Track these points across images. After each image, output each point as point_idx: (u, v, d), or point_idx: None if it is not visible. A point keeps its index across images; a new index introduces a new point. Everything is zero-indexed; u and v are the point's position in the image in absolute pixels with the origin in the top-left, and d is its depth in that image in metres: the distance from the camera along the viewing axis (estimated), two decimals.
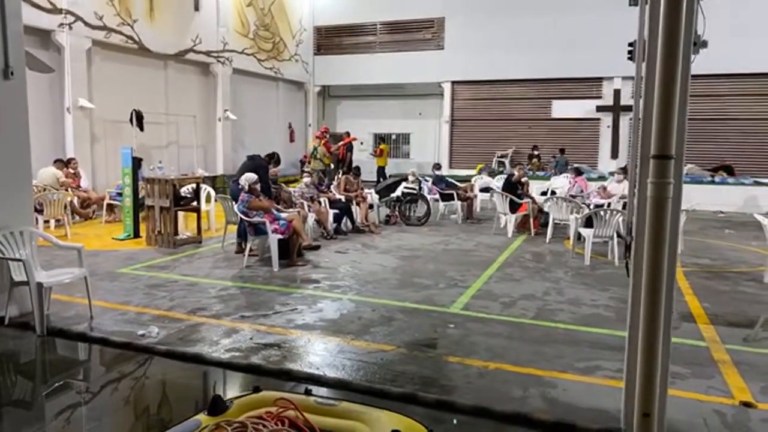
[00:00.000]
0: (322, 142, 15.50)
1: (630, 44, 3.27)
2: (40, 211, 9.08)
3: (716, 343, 4.77)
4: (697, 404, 3.68)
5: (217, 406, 2.76)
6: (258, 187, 7.34)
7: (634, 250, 3.15)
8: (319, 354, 4.40)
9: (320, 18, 20.61)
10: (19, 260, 4.78)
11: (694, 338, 4.87)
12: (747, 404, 3.65)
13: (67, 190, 10.28)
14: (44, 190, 9.61)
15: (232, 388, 4.03)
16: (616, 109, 17.12)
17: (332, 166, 15.87)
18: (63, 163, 10.70)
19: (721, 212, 13.23)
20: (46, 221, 9.42)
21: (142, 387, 4.08)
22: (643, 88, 3.03)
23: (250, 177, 7.23)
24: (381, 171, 18.25)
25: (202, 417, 2.71)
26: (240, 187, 7.27)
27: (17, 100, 5.04)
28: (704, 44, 2.99)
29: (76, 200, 10.63)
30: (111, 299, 5.75)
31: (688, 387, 3.89)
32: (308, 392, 3.02)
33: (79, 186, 11.01)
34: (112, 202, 10.71)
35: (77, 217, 10.66)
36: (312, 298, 5.91)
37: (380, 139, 18.52)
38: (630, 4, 3.30)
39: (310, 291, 6.20)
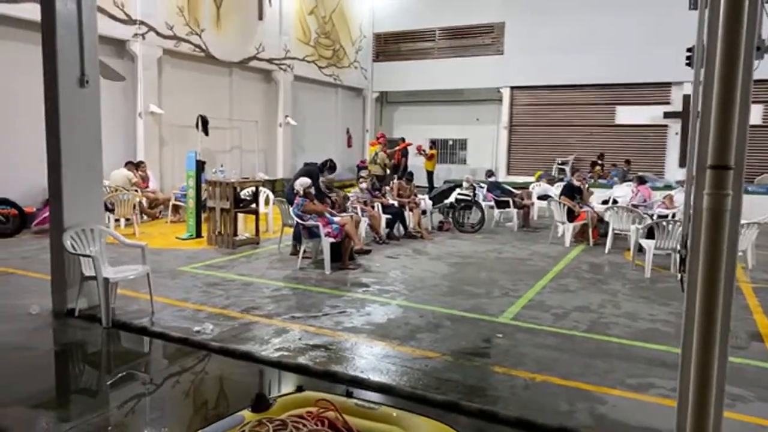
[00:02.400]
0: (383, 147, 15.65)
1: (689, 49, 3.15)
2: (111, 210, 9.66)
3: None
4: (758, 429, 3.47)
5: (260, 403, 2.85)
6: (312, 191, 7.51)
7: (688, 264, 3.01)
8: (364, 357, 4.45)
9: (380, 25, 20.83)
10: (89, 256, 5.11)
11: (761, 359, 4.59)
12: None
13: (136, 191, 10.88)
14: (116, 190, 10.20)
15: (277, 387, 4.15)
16: (686, 115, 16.32)
17: (388, 171, 15.94)
18: (134, 165, 11.32)
19: None
20: (117, 220, 10.01)
21: (195, 381, 4.27)
22: (701, 95, 2.90)
23: (304, 182, 7.41)
24: (429, 176, 17.96)
25: (246, 413, 2.80)
26: (295, 191, 7.46)
27: (91, 107, 5.39)
28: None
29: (144, 201, 11.22)
30: (171, 296, 6.03)
31: (750, 411, 3.68)
32: (349, 394, 3.06)
33: (147, 187, 11.62)
34: (177, 203, 11.23)
35: (145, 217, 11.25)
36: (361, 302, 5.98)
37: (431, 143, 18.22)
38: (690, 8, 3.17)
39: (360, 294, 6.27)
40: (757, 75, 2.87)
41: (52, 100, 5.13)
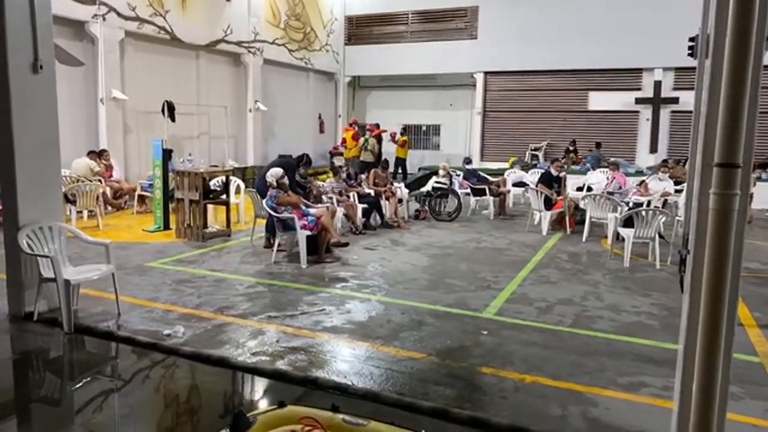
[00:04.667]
0: (374, 133, 15.30)
1: (691, 39, 2.99)
2: (73, 202, 9.18)
3: None
4: (753, 430, 3.40)
5: (239, 423, 2.62)
6: (286, 181, 7.21)
7: (692, 265, 2.88)
8: (346, 360, 4.25)
9: (351, 7, 20.35)
10: (47, 257, 4.75)
11: (746, 352, 4.55)
12: None
13: (100, 181, 10.38)
14: (78, 181, 9.70)
15: (256, 396, 3.92)
16: (656, 101, 16.47)
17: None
18: (96, 154, 10.79)
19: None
20: (79, 212, 9.52)
21: (167, 392, 4.00)
22: (705, 88, 2.74)
23: (276, 172, 7.11)
24: (401, 163, 16.85)
25: None
26: (268, 183, 7.15)
27: (46, 94, 4.99)
28: None
29: (108, 191, 10.71)
30: (139, 295, 5.71)
31: (743, 409, 3.61)
32: (335, 408, 2.85)
33: (111, 177, 11.10)
34: (143, 193, 10.77)
35: (110, 208, 10.76)
36: (340, 298, 5.76)
37: (403, 129, 17.38)
38: None
39: (338, 290, 6.05)
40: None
41: (2, 88, 4.70)
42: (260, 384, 4.00)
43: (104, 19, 11.48)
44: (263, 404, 3.66)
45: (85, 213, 9.68)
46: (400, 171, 16.35)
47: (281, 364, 4.11)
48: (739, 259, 2.75)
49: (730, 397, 3.73)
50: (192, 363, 4.20)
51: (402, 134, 16.64)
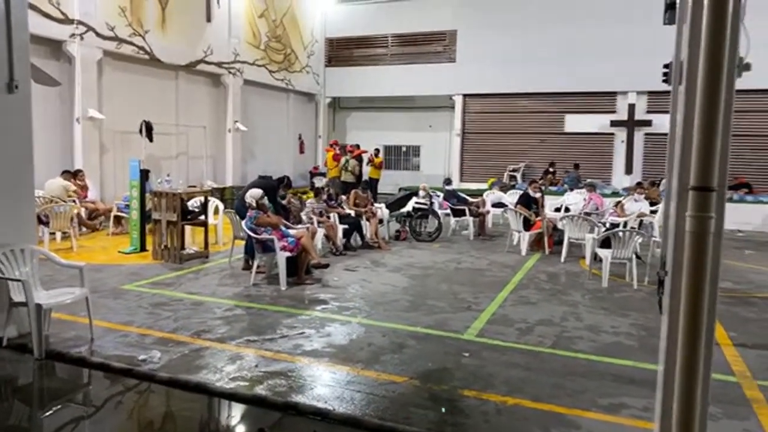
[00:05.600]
0: (355, 153, 15.32)
1: (665, 65, 3.06)
2: (46, 223, 8.97)
3: (747, 378, 4.50)
4: None
5: None
6: (266, 202, 7.17)
7: (670, 287, 2.92)
8: (327, 385, 4.18)
9: (332, 30, 20.56)
10: (18, 280, 4.61)
11: (723, 372, 4.60)
12: None
13: (75, 201, 10.18)
14: (51, 201, 9.50)
15: (235, 423, 3.82)
16: (631, 124, 16.86)
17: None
18: (71, 174, 10.61)
19: (740, 231, 12.91)
20: (53, 233, 9.31)
21: (140, 419, 3.88)
22: (680, 113, 2.81)
23: (255, 193, 7.06)
24: (373, 183, 16.17)
25: None
26: (247, 204, 7.09)
27: (21, 115, 4.91)
28: (747, 67, 2.76)
29: (83, 211, 10.51)
30: (113, 319, 5.57)
31: (720, 430, 3.64)
32: None
33: (86, 197, 10.91)
34: (119, 214, 10.58)
35: (84, 229, 10.54)
36: (320, 321, 5.70)
37: (376, 150, 17.15)
38: (665, 23, 3.09)
39: (318, 313, 5.98)
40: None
41: None
42: (239, 410, 3.90)
43: (82, 39, 11.39)
44: (242, 431, 3.57)
45: (59, 234, 9.47)
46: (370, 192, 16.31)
47: (260, 390, 4.03)
48: (715, 281, 2.79)
49: (710, 417, 3.77)
50: (168, 389, 4.09)
51: (376, 155, 16.61)
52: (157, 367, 4.37)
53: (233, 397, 3.93)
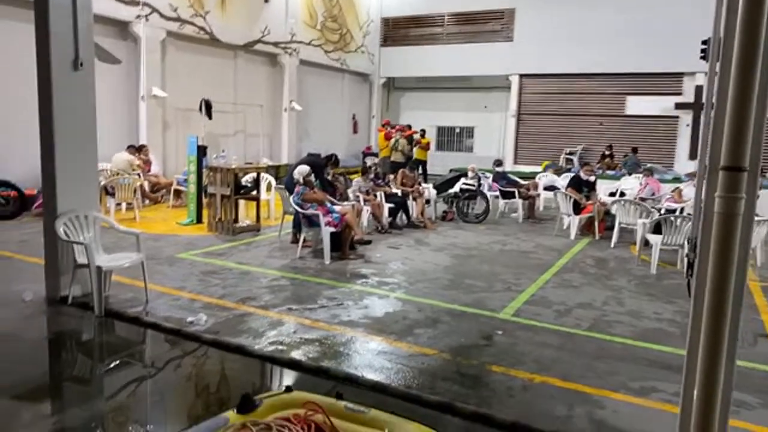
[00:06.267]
0: (406, 133, 15.37)
1: (704, 41, 2.97)
2: (112, 194, 9.58)
3: None
4: None
5: (246, 404, 2.75)
6: (312, 179, 7.38)
7: (697, 269, 2.87)
8: (359, 353, 4.35)
9: (388, 9, 20.52)
10: (81, 243, 5.01)
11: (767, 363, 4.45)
12: None
13: (138, 175, 10.79)
14: (117, 174, 10.11)
15: (268, 383, 4.06)
16: (698, 106, 16.03)
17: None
18: (135, 149, 11.21)
19: None
20: (118, 204, 9.94)
21: (185, 376, 4.18)
22: (715, 91, 2.73)
23: (303, 170, 7.28)
24: (419, 165, 15.69)
25: (231, 414, 2.71)
26: (295, 180, 7.33)
27: (86, 90, 5.27)
28: None
29: (146, 185, 11.13)
30: (167, 284, 5.95)
31: (755, 419, 3.55)
32: (339, 396, 2.96)
33: (149, 171, 11.52)
34: (179, 187, 11.13)
35: (147, 201, 11.17)
36: (359, 294, 5.87)
37: (422, 131, 16.51)
38: None
39: (358, 286, 6.16)
40: None
41: (45, 83, 5.00)
42: (274, 371, 4.14)
43: (147, 20, 11.93)
44: (273, 390, 3.79)
45: (124, 205, 10.09)
46: (420, 172, 16.22)
47: (296, 354, 4.25)
48: (744, 264, 2.73)
49: (744, 405, 3.70)
50: (211, 349, 4.38)
51: (422, 136, 16.29)
52: (203, 329, 4.67)
53: (270, 359, 4.17)
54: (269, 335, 4.62)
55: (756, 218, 7.53)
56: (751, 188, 2.63)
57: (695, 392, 2.81)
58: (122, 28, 11.88)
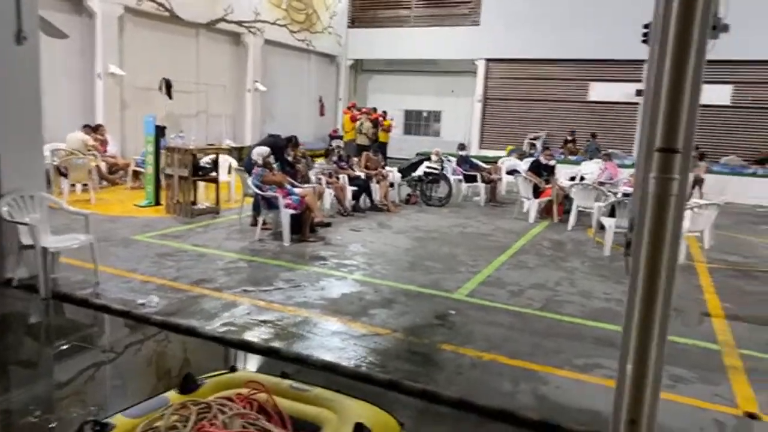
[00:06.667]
0: (371, 116, 15.24)
1: (645, 26, 3.02)
2: (65, 175, 9.29)
3: (730, 347, 4.53)
4: (697, 412, 3.49)
5: (187, 384, 2.73)
6: (272, 160, 7.30)
7: (633, 248, 2.96)
8: (311, 334, 4.36)
9: None
10: (26, 224, 4.86)
11: (707, 340, 4.63)
12: (751, 415, 3.44)
13: (95, 155, 10.48)
14: (71, 154, 9.80)
15: (215, 365, 4.02)
16: None
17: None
18: (91, 129, 10.88)
19: (761, 207, 12.60)
20: (73, 185, 9.64)
21: (132, 357, 4.12)
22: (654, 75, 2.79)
23: (262, 151, 7.19)
24: (381, 148, 15.38)
25: (172, 394, 2.69)
26: (253, 161, 7.23)
27: (30, 66, 5.06)
28: (725, 28, 2.71)
29: (103, 165, 10.82)
30: (120, 266, 5.83)
31: (691, 393, 3.70)
32: (285, 375, 2.97)
33: (106, 152, 11.20)
34: (137, 168, 10.86)
35: (105, 182, 10.87)
36: (316, 276, 5.87)
37: (383, 113, 16.33)
38: None
39: (316, 268, 6.15)
40: (725, 55, 2.79)
41: None
42: (223, 352, 4.11)
43: None
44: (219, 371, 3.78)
45: (79, 186, 9.80)
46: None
47: (247, 335, 4.23)
48: (676, 242, 2.81)
49: (681, 380, 3.86)
50: (161, 331, 4.32)
51: (384, 119, 16.17)
52: (154, 311, 4.60)
53: (220, 340, 4.14)
54: (222, 317, 4.59)
55: (704, 202, 7.81)
56: (683, 170, 2.72)
57: (628, 366, 2.92)
58: (76, 2, 11.44)
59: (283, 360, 3.89)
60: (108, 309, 4.63)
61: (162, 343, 4.25)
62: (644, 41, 3.08)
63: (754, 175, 13.44)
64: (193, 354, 4.17)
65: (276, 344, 4.08)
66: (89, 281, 5.23)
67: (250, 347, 4.05)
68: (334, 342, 4.21)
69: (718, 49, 2.82)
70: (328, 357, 3.93)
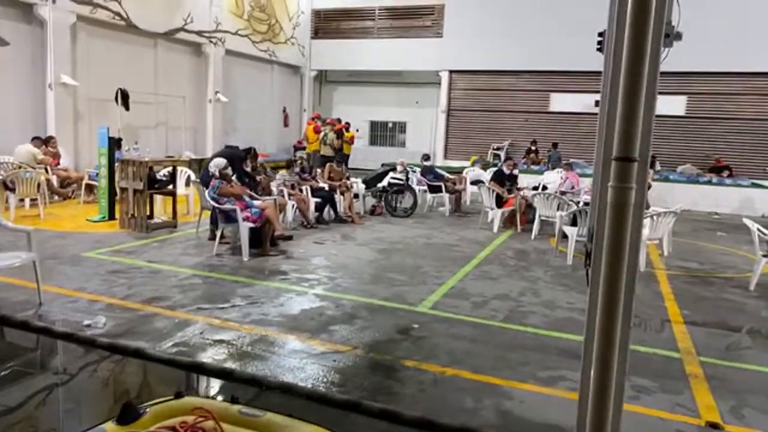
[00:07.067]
0: (336, 127, 15.08)
1: (600, 33, 3.00)
2: (12, 189, 8.85)
3: (691, 354, 4.54)
4: (659, 423, 3.45)
5: (127, 414, 2.52)
6: (229, 172, 7.09)
7: (593, 257, 2.90)
8: (268, 353, 4.18)
9: (319, 1, 20.20)
10: None
11: (668, 348, 4.64)
12: (714, 425, 3.42)
13: (47, 169, 10.05)
14: (19, 168, 9.36)
15: (163, 389, 3.81)
16: None
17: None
18: (41, 141, 10.44)
19: (716, 214, 12.96)
20: (21, 200, 9.21)
21: (71, 384, 3.84)
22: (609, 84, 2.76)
23: (219, 162, 6.98)
24: (344, 159, 15.05)
25: (110, 425, 2.48)
26: (211, 173, 7.01)
27: None
28: (678, 36, 2.70)
29: (55, 179, 10.40)
30: (66, 285, 5.53)
31: (653, 403, 3.67)
32: (234, 400, 2.79)
33: (58, 165, 10.77)
34: (91, 182, 10.46)
35: (57, 197, 10.43)
36: (276, 291, 5.68)
37: (346, 124, 16.08)
38: None
39: (276, 283, 5.97)
40: (679, 67, 2.78)
41: None
42: (173, 376, 3.90)
43: (54, 2, 11.10)
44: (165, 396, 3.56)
45: (27, 201, 9.36)
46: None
47: (200, 357, 4.02)
48: (635, 252, 2.77)
49: (644, 391, 3.82)
50: (107, 354, 4.07)
51: (347, 130, 16.06)
52: (100, 333, 4.34)
53: (170, 362, 3.92)
54: (174, 337, 4.36)
55: (662, 210, 7.94)
56: (640, 178, 2.68)
57: (591, 378, 2.85)
58: (26, 10, 10.99)
59: (236, 382, 3.70)
60: (49, 331, 4.35)
61: (106, 367, 4.00)
62: (599, 49, 3.06)
63: (709, 183, 13.83)
64: (139, 378, 3.93)
65: (229, 365, 3.89)
66: (32, 302, 4.93)
67: (201, 369, 3.84)
68: (291, 361, 4.04)
69: (672, 61, 2.81)
70: (284, 378, 3.76)
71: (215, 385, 3.68)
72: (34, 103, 11.38)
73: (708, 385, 3.96)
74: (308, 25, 20.20)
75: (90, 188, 10.54)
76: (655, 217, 7.38)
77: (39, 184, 9.08)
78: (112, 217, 8.85)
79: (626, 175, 2.62)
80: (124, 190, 8.29)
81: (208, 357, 4.02)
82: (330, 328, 4.72)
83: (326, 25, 20.44)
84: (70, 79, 11.62)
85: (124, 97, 12.00)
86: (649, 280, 6.79)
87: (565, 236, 7.88)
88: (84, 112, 12.30)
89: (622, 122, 2.60)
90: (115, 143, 9.27)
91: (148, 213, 8.24)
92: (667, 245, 8.17)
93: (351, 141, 15.96)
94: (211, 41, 15.51)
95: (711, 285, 6.81)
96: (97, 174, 9.69)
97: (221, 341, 4.32)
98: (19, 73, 10.98)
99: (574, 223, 7.93)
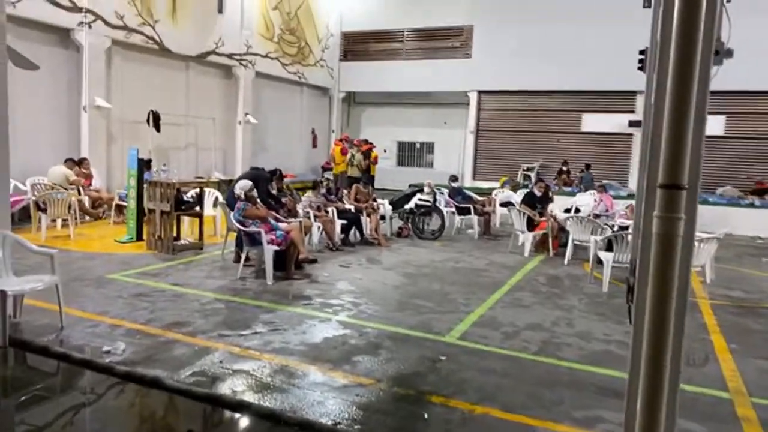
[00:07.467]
0: (363, 148, 15.07)
1: (641, 51, 2.81)
2: (44, 210, 8.98)
3: (741, 395, 4.19)
4: None
5: None
6: (255, 194, 7.02)
7: (636, 293, 2.66)
8: (288, 385, 4.00)
9: (348, 24, 20.40)
10: None
11: (716, 387, 4.30)
12: None
13: (79, 190, 10.21)
14: (52, 188, 9.52)
15: (177, 421, 3.67)
16: None
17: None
18: (74, 163, 10.63)
19: (760, 238, 12.36)
20: (53, 220, 9.33)
21: (82, 416, 3.73)
22: (653, 104, 2.55)
23: (244, 185, 6.92)
24: (369, 180, 15.16)
25: None
26: (236, 195, 6.96)
27: None
28: (729, 53, 2.50)
29: (86, 200, 10.55)
30: (89, 308, 5.48)
31: None
32: None
33: (90, 185, 10.93)
34: (121, 203, 10.57)
35: (87, 217, 10.57)
36: (299, 317, 5.53)
37: (365, 142, 15.97)
38: (644, 6, 2.83)
39: (299, 309, 5.81)
40: (717, 86, 2.57)
41: None
42: (188, 407, 3.75)
43: (90, 27, 11.40)
44: (178, 431, 3.42)
45: (59, 222, 9.49)
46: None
47: (217, 387, 3.87)
48: (685, 288, 2.52)
49: None
50: (123, 383, 3.96)
51: (372, 150, 15.75)
52: (119, 360, 4.24)
53: (187, 393, 3.78)
54: (193, 365, 4.23)
55: (704, 234, 7.54)
56: (690, 208, 2.44)
57: (636, 422, 2.59)
58: (63, 35, 11.31)
59: (254, 416, 3.53)
60: (68, 357, 4.27)
61: (122, 397, 3.88)
62: (640, 68, 2.87)
63: (752, 206, 13.23)
64: (154, 410, 3.80)
65: (247, 398, 3.72)
66: (54, 326, 4.89)
67: (218, 402, 3.69)
68: (312, 395, 3.85)
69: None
70: (303, 413, 3.57)
71: (232, 418, 3.51)
72: (69, 125, 11.64)
73: (762, 431, 3.62)
74: (337, 47, 20.39)
75: (120, 209, 10.64)
76: (697, 243, 7.00)
77: (70, 205, 9.18)
78: (139, 238, 8.88)
79: (674, 204, 2.39)
80: (151, 211, 8.31)
81: (226, 388, 3.87)
82: (353, 359, 4.53)
83: (355, 47, 20.60)
84: (104, 101, 11.87)
85: (155, 119, 12.21)
86: (692, 311, 6.40)
87: (600, 262, 7.54)
88: (117, 133, 12.53)
89: (669, 146, 2.38)
90: (144, 164, 9.36)
91: (174, 234, 8.23)
92: (710, 272, 7.75)
93: (375, 161, 15.90)
94: (241, 64, 15.74)
95: (760, 316, 6.38)
96: (127, 195, 9.79)
97: (240, 371, 4.17)
98: (54, 96, 11.26)
99: (609, 248, 7.59)
